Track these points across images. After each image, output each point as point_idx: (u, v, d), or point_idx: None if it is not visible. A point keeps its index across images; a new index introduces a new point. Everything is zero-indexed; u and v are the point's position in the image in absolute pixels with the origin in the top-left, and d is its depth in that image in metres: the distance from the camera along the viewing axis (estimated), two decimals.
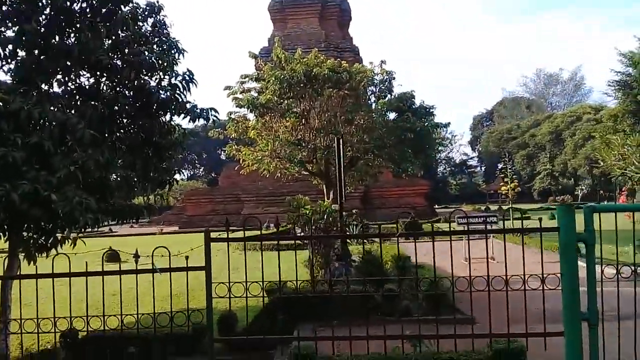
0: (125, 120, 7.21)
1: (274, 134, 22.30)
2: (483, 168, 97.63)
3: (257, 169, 23.70)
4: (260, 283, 4.73)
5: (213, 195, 48.39)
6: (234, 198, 46.46)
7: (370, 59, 33.77)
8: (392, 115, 24.88)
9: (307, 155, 23.56)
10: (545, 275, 4.44)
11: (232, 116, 23.37)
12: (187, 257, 4.52)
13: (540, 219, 4.72)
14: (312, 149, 23.18)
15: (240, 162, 24.38)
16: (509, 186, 25.18)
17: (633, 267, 4.75)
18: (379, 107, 24.13)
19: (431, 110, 25.02)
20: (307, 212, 11.24)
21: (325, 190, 25.34)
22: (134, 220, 7.68)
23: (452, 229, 4.94)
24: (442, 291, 6.92)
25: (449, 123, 25.39)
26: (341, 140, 11.00)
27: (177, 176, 8.39)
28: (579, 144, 73.56)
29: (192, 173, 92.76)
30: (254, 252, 6.69)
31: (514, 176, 29.77)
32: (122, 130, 7.20)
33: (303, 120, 23.17)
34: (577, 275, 4.35)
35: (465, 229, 6.69)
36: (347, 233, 11.22)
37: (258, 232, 5.42)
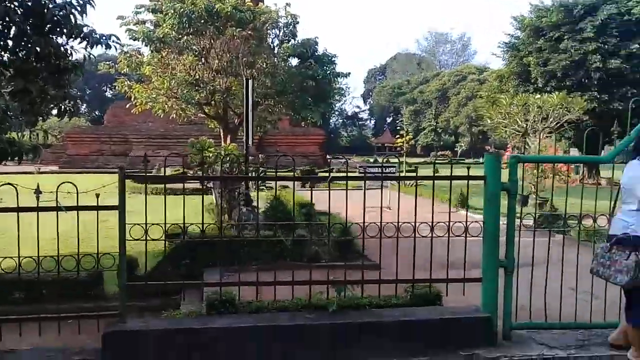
0: (12, 42, 6.30)
1: (171, 72, 21.11)
2: (373, 121, 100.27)
3: (151, 108, 22.42)
4: (163, 226, 4.37)
5: (98, 134, 45.44)
6: (122, 139, 44.00)
7: (275, 0, 32.65)
8: (294, 62, 24.48)
9: (205, 97, 22.65)
10: (451, 223, 4.49)
11: (125, 49, 21.74)
12: (97, 195, 4.06)
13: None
14: (211, 91, 22.31)
15: (132, 100, 22.91)
16: (404, 139, 26.01)
17: (535, 216, 4.98)
18: (282, 51, 23.59)
19: (333, 59, 24.90)
20: (211, 154, 10.81)
21: (222, 135, 24.64)
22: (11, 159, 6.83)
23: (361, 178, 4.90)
24: (350, 238, 6.99)
25: (349, 73, 25.47)
26: (250, 82, 10.55)
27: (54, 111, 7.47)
28: (462, 103, 77.45)
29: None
30: (155, 197, 6.25)
31: (407, 131, 30.78)
32: (9, 52, 6.30)
33: (202, 59, 22.14)
34: (498, 224, 4.47)
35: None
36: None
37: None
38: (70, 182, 3.97)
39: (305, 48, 23.73)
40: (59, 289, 5.77)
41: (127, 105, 24.88)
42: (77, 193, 4.02)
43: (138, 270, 7.15)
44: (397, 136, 29.22)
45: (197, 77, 21.95)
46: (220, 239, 4.98)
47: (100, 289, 7.55)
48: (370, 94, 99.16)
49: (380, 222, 4.44)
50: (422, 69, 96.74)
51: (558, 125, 20.09)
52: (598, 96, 27.78)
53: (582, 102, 20.51)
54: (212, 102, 22.93)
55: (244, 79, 10.77)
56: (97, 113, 77.32)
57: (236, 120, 24.67)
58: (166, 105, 22.11)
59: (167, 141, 40.30)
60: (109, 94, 79.80)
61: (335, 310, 4.44)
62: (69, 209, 4.01)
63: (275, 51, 24.17)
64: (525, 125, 20.23)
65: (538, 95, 20.48)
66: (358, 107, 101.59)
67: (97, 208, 4.12)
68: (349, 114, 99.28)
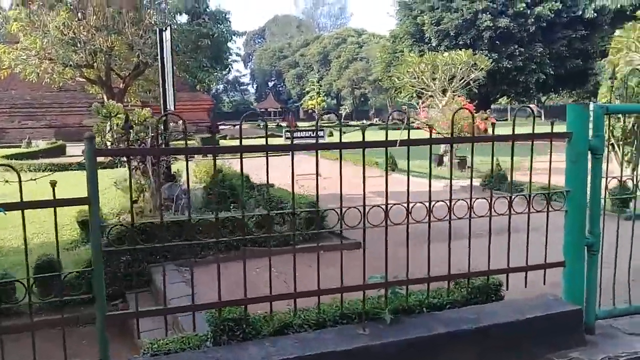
0: None
1: (43, 30, 18.09)
2: (255, 86, 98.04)
3: (22, 71, 19.22)
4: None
5: None
6: None
7: None
8: (185, 19, 22.26)
9: (84, 59, 19.86)
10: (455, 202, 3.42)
11: None
12: (53, 183, 2.52)
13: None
14: (91, 51, 19.57)
15: None
16: (315, 101, 24.79)
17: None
18: (170, 6, 21.26)
19: (227, 16, 22.97)
20: (120, 122, 8.98)
21: (105, 101, 21.96)
22: None
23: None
24: (324, 210, 5.82)
25: (246, 32, 23.67)
26: (167, 33, 8.76)
27: None
28: (343, 66, 77.85)
29: None
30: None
31: (318, 92, 29.43)
32: None
33: (79, 14, 19.27)
34: (586, 193, 3.53)
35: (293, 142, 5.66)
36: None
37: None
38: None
39: (197, 3, 21.57)
40: None
41: None
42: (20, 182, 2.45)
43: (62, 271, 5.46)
44: (307, 97, 28.00)
45: (74, 35, 19.11)
46: (163, 225, 3.54)
47: None
48: (250, 57, 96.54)
49: (386, 201, 3.31)
50: (302, 31, 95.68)
51: (465, 83, 20.03)
52: (489, 55, 28.49)
53: (485, 60, 20.59)
54: (94, 65, 20.18)
55: (158, 29, 8.94)
56: None
57: (121, 84, 22.08)
58: (39, 69, 19.05)
59: (34, 111, 35.79)
60: None
61: (393, 319, 3.28)
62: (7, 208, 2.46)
63: (163, 6, 21.74)
64: (434, 85, 19.96)
65: (446, 53, 20.23)
66: (238, 71, 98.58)
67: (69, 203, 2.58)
68: (229, 78, 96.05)
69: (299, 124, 60.06)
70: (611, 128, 8.31)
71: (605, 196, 3.61)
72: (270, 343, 3.11)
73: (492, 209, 3.41)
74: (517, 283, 3.62)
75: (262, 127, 48.24)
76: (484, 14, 28.37)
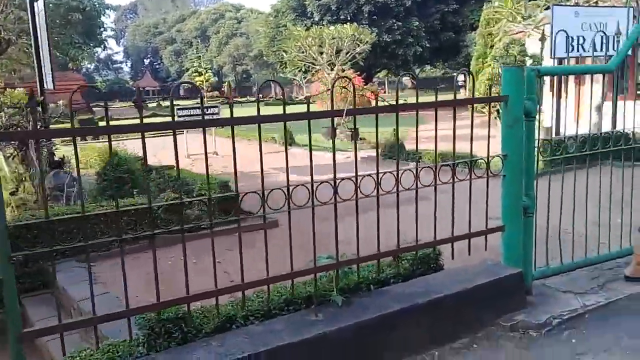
0: None
1: None
2: (130, 64, 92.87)
3: None
4: None
5: None
6: None
7: None
8: None
9: None
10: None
11: None
12: None
13: None
14: None
15: None
16: (204, 77, 23.71)
17: None
18: None
19: None
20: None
21: None
22: None
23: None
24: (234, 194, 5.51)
25: (120, 6, 22.12)
26: (40, 3, 7.76)
27: None
28: (223, 42, 76.04)
29: None
30: None
31: (206, 68, 28.10)
32: None
33: None
34: (522, 156, 3.53)
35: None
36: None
37: None
38: None
39: None
40: None
41: None
42: None
43: None
44: (194, 74, 26.73)
45: None
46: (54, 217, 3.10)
47: None
48: (123, 34, 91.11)
49: (312, 180, 3.12)
50: (176, 6, 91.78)
51: (352, 57, 20.20)
52: (370, 29, 29.00)
53: (369, 34, 20.88)
54: None
55: (28, 1, 7.92)
56: None
57: None
58: None
59: None
60: None
61: (344, 300, 3.09)
62: None
63: None
64: (321, 59, 19.93)
65: (332, 27, 20.22)
66: (111, 48, 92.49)
67: None
68: (101, 57, 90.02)
69: (181, 102, 57.69)
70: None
71: (537, 158, 3.65)
72: (216, 342, 2.78)
73: (437, 179, 3.30)
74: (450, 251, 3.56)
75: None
76: None
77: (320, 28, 20.22)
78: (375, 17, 30.09)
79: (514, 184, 3.52)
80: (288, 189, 2.88)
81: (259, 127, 2.78)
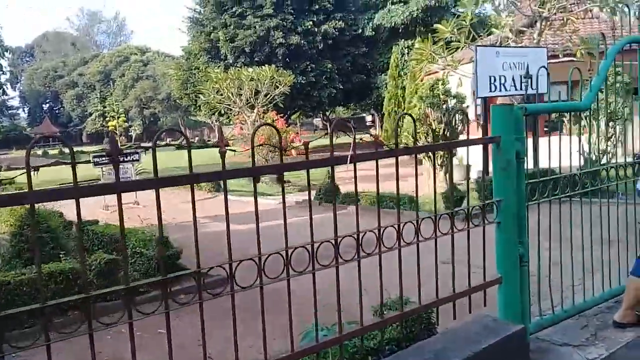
0: None
1: None
2: (27, 109, 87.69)
3: None
4: None
5: None
6: None
7: None
8: None
9: None
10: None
11: None
12: None
13: None
14: None
15: None
16: (116, 122, 22.38)
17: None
18: None
19: None
20: None
21: None
22: None
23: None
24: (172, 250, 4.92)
25: (15, 47, 20.66)
26: None
27: None
28: (128, 85, 74.06)
29: None
30: None
31: (118, 112, 26.64)
32: None
33: None
34: (523, 201, 3.27)
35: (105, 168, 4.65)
36: None
37: None
38: None
39: None
40: None
41: None
42: None
43: None
44: (108, 119, 25.23)
45: None
46: None
47: None
48: (19, 78, 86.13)
49: (312, 239, 2.72)
50: (77, 49, 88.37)
51: (271, 99, 19.99)
52: (282, 71, 29.14)
53: (288, 76, 20.82)
54: None
55: None
56: None
57: None
58: None
59: None
60: None
61: None
62: None
63: None
64: (239, 100, 19.55)
65: (251, 69, 19.97)
66: (6, 94, 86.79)
67: None
68: None
69: (82, 148, 54.50)
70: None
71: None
72: None
73: (438, 230, 2.95)
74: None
75: (42, 154, 42.94)
76: (275, 32, 28.90)
77: (238, 70, 19.89)
78: (288, 59, 30.27)
79: (510, 231, 3.24)
80: (259, 259, 2.33)
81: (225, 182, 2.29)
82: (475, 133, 2.95)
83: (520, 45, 12.31)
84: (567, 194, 3.68)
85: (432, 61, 13.24)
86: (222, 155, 2.16)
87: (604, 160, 4.03)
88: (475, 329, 3.22)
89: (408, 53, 27.99)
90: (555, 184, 3.62)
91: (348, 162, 2.43)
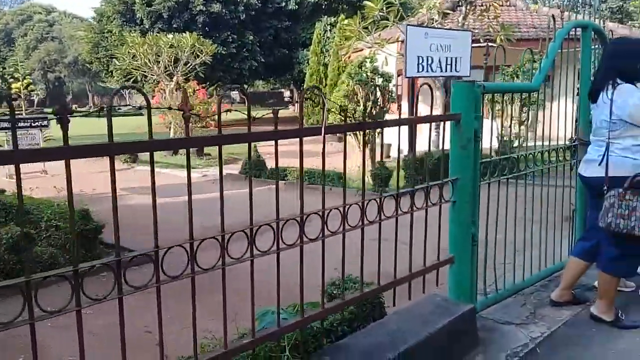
0: None
1: None
2: None
3: None
4: None
5: None
6: None
7: None
8: None
9: None
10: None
11: None
12: None
13: None
14: None
15: None
16: (20, 84, 20.47)
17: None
18: None
19: None
20: None
21: None
22: None
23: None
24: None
25: None
26: None
27: None
28: (31, 46, 69.17)
29: None
30: None
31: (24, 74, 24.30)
32: None
33: None
34: (478, 180, 3.24)
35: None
36: None
37: None
38: None
39: None
40: None
41: None
42: None
43: None
44: (11, 81, 23.06)
45: None
46: None
47: None
48: None
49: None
50: None
51: (191, 68, 19.22)
52: (203, 39, 28.15)
53: (210, 45, 20.09)
54: None
55: None
56: None
57: None
58: None
59: None
60: None
61: None
62: None
63: None
64: (157, 68, 18.64)
65: (171, 35, 19.04)
66: None
67: None
68: None
69: None
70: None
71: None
72: None
73: (399, 209, 2.84)
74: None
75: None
76: None
77: (157, 35, 18.91)
78: (208, 28, 29.26)
79: (465, 210, 3.21)
80: (223, 237, 2.11)
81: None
82: (395, 112, 2.82)
83: (446, 28, 12.50)
84: (515, 174, 3.71)
85: (360, 38, 13.20)
86: (187, 120, 1.91)
87: (515, 144, 4.12)
88: (428, 309, 3.18)
89: (331, 30, 27.86)
90: (504, 165, 3.63)
91: (323, 133, 2.24)
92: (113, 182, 1.75)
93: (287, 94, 58.59)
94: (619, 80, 3.33)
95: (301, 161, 2.33)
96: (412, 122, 2.91)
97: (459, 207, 3.20)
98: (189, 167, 2.00)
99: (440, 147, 6.96)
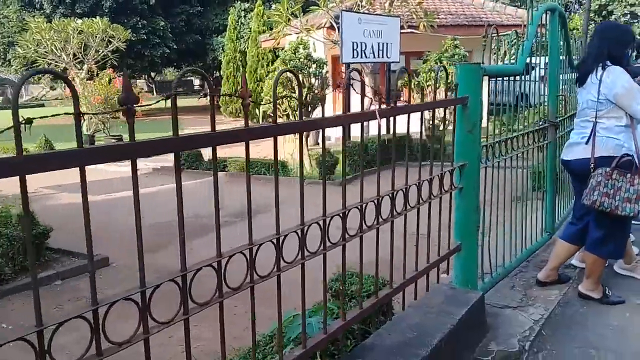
0: None
1: None
2: None
3: None
4: None
5: None
6: None
7: None
8: None
9: None
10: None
11: None
12: None
13: None
14: None
15: None
16: None
17: None
18: None
19: None
20: None
21: None
22: None
23: None
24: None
25: None
26: None
27: None
28: None
29: None
30: None
31: None
32: None
33: None
34: (478, 167, 3.16)
35: None
36: None
37: None
38: None
39: None
40: None
41: None
42: None
43: None
44: None
45: None
46: None
47: None
48: None
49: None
50: None
51: (102, 55, 18.11)
52: (111, 24, 26.68)
53: (123, 31, 19.01)
54: None
55: None
56: None
57: None
58: None
59: None
60: None
61: None
62: None
63: None
64: (65, 56, 17.40)
65: (80, 20, 17.80)
66: None
67: None
68: None
69: None
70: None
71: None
72: None
73: (408, 204, 2.70)
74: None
75: None
76: None
77: (64, 21, 17.60)
78: (115, 13, 27.71)
79: (471, 196, 3.13)
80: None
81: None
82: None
83: (375, 13, 12.53)
84: (503, 157, 3.69)
85: (288, 23, 12.96)
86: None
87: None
88: (440, 299, 3.08)
89: (245, 16, 27.29)
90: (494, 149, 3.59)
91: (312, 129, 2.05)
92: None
93: (197, 82, 56.84)
94: (608, 63, 3.37)
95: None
96: (421, 109, 2.76)
97: (466, 193, 3.12)
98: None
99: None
